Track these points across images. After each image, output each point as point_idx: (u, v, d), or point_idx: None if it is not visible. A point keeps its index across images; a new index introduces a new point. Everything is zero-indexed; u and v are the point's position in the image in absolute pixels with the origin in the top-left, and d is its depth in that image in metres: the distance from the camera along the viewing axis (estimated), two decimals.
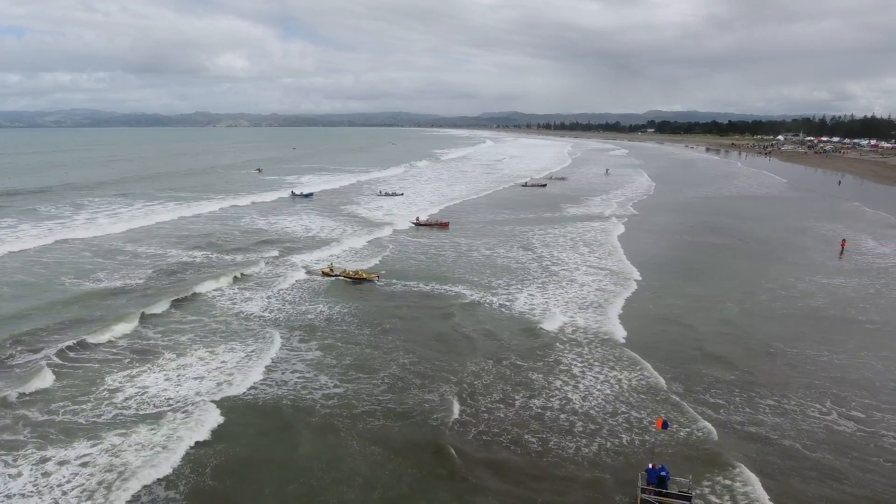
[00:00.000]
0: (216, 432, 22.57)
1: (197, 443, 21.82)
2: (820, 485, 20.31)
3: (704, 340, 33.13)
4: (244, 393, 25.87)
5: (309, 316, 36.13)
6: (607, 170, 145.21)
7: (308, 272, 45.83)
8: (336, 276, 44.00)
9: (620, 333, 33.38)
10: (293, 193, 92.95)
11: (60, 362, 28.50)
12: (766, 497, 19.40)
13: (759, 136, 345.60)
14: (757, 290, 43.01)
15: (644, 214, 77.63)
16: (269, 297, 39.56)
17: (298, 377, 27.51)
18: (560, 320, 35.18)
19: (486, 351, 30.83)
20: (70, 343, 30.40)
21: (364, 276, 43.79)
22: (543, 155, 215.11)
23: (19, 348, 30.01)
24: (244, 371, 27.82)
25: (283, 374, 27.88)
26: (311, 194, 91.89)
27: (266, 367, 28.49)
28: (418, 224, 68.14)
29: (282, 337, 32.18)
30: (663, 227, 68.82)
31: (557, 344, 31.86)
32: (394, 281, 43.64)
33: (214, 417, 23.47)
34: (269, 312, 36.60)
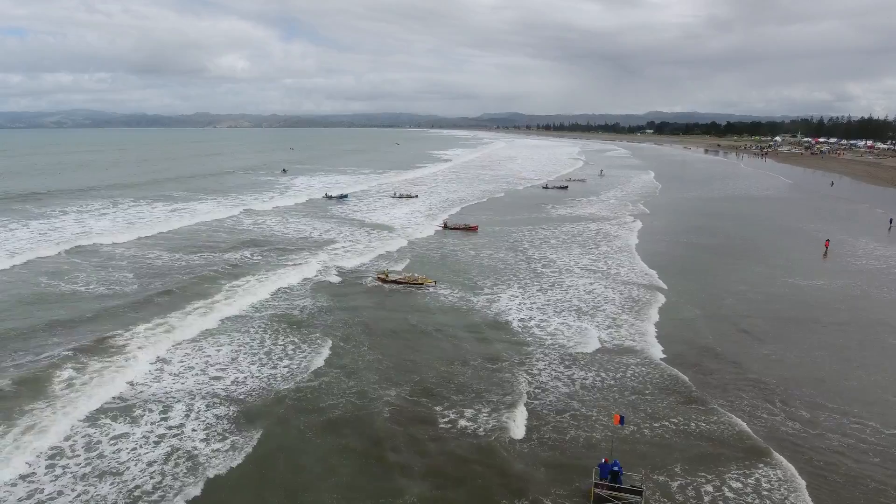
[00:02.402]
0: (264, 434, 23.32)
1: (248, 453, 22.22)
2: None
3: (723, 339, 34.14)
4: (290, 394, 26.30)
5: (366, 320, 35.97)
6: (601, 171, 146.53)
7: (363, 278, 45.23)
8: (392, 281, 43.71)
9: (656, 350, 32.37)
10: (327, 195, 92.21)
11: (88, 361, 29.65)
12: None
13: (757, 137, 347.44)
14: (750, 288, 44.65)
15: (654, 214, 79.24)
16: (324, 302, 39.21)
17: (345, 381, 27.85)
18: (596, 337, 33.92)
19: (528, 363, 30.44)
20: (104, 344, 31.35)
21: (420, 280, 43.55)
22: (553, 156, 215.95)
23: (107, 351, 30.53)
24: (295, 374, 28.52)
25: (329, 377, 28.11)
26: (345, 196, 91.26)
27: (315, 370, 28.86)
28: (446, 227, 66.84)
29: (332, 342, 32.23)
30: (673, 228, 69.99)
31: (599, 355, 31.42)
32: (444, 287, 43.07)
33: (261, 415, 24.51)
34: (324, 317, 36.45)
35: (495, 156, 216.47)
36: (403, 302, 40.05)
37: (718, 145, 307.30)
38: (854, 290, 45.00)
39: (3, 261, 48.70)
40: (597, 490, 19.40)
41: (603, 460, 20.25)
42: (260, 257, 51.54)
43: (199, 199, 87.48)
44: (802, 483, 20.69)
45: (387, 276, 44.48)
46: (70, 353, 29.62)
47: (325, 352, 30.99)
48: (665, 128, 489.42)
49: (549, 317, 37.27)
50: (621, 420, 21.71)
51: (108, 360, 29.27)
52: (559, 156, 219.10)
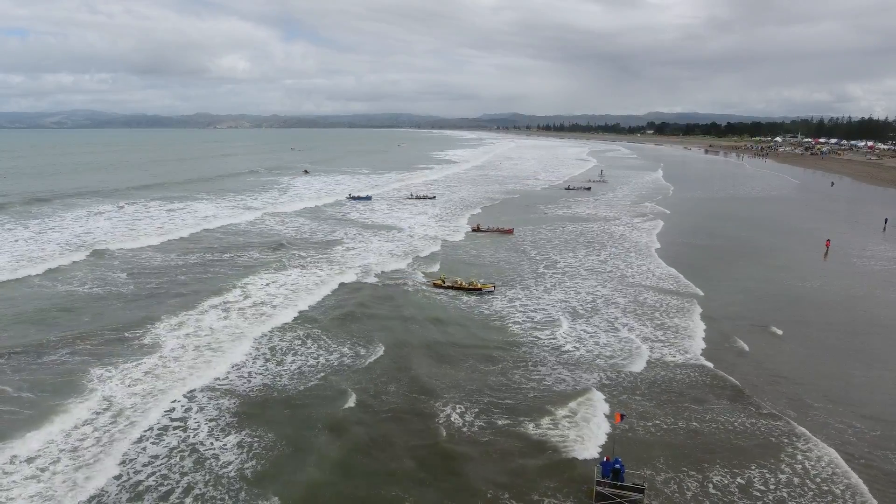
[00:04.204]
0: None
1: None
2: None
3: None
4: (346, 407, 26.24)
5: (420, 325, 36.07)
6: (602, 171, 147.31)
7: (408, 281, 45.28)
8: (448, 286, 43.22)
9: (672, 349, 32.96)
10: (350, 196, 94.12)
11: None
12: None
13: (757, 138, 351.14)
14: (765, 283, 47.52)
15: (673, 215, 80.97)
16: (379, 306, 39.46)
17: (395, 384, 28.29)
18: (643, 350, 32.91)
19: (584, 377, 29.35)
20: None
21: (478, 286, 42.89)
22: (562, 157, 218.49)
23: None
24: (350, 372, 29.32)
25: (382, 380, 28.69)
26: (369, 197, 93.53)
27: (368, 366, 29.83)
28: (478, 230, 65.76)
29: (386, 347, 32.40)
30: (694, 229, 72.03)
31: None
32: (500, 293, 42.66)
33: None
34: (380, 320, 36.75)
35: (505, 156, 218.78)
36: (459, 307, 39.77)
37: (710, 145, 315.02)
38: (857, 290, 45.80)
39: (37, 266, 48.23)
40: (598, 488, 19.51)
41: (605, 458, 20.40)
42: (299, 259, 51.66)
43: (221, 201, 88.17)
44: (853, 477, 21.16)
45: (443, 280, 44.06)
46: (129, 358, 30.14)
47: (379, 353, 31.51)
48: (665, 128, 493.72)
49: (586, 316, 38.36)
50: (622, 418, 22.29)
51: (171, 367, 29.46)
52: (568, 156, 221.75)
